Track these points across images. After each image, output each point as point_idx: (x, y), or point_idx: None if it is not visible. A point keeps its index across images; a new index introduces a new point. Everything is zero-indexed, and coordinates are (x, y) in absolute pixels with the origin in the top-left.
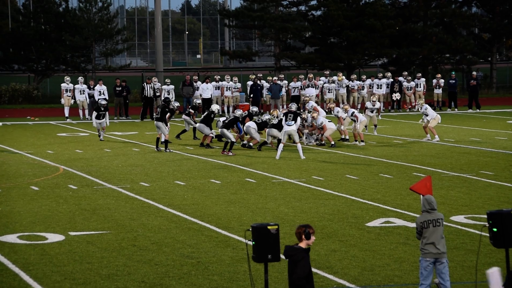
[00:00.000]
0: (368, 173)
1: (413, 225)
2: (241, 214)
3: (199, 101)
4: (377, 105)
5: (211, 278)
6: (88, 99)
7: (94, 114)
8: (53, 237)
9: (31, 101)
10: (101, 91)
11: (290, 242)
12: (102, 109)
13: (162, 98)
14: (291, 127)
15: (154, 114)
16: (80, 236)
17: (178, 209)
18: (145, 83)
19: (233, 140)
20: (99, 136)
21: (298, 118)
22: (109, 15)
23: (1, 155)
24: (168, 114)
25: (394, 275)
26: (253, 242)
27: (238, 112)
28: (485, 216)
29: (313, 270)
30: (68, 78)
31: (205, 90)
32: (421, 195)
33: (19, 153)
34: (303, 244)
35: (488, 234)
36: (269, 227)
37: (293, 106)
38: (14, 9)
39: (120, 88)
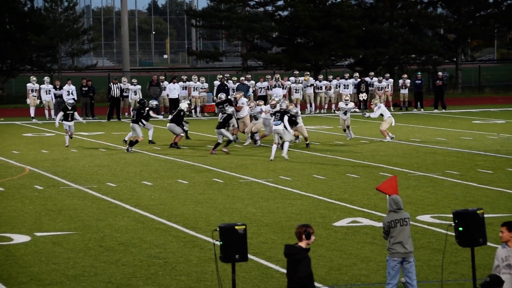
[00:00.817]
0: (335, 173)
1: (380, 224)
2: (209, 214)
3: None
4: (351, 105)
5: (178, 279)
6: (54, 99)
7: (61, 114)
8: (19, 238)
9: None
10: (69, 91)
11: (257, 242)
12: (70, 108)
13: (130, 98)
14: (279, 126)
15: (131, 116)
16: (46, 237)
17: (145, 210)
18: (111, 83)
19: (231, 138)
20: (66, 140)
21: (285, 116)
22: (75, 14)
23: None
24: (152, 112)
25: (361, 275)
26: (221, 242)
27: (230, 109)
28: (451, 216)
29: (279, 269)
30: (34, 78)
31: (172, 90)
32: (388, 195)
33: None
34: (303, 244)
35: (454, 233)
36: (236, 227)
37: (284, 104)
38: None
39: (87, 88)
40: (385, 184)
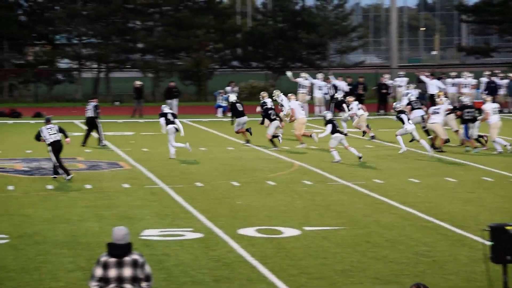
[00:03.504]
0: None
1: None
2: (478, 213)
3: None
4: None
5: (447, 278)
6: (326, 96)
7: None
8: (289, 232)
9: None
10: (337, 87)
11: None
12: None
13: (400, 95)
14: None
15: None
16: (315, 231)
17: (412, 207)
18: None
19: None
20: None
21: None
22: (345, 12)
23: (239, 151)
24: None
25: None
26: (492, 242)
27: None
28: None
29: None
30: (303, 75)
31: (431, 86)
32: None
33: (256, 149)
34: None
35: None
36: (507, 228)
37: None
38: (253, 8)
39: (351, 86)
40: None
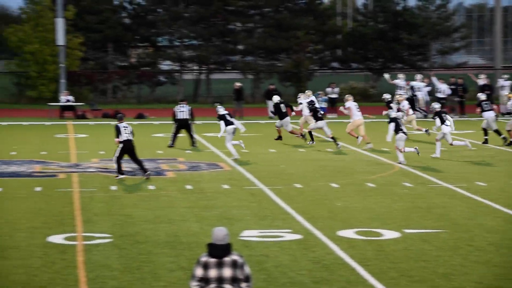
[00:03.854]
0: None
1: None
2: None
3: None
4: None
5: None
6: (427, 97)
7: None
8: (389, 234)
9: (368, 99)
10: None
11: None
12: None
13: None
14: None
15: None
16: (415, 234)
17: None
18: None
19: None
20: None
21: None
22: (447, 12)
23: (338, 152)
24: None
25: None
26: None
27: None
28: None
29: None
30: (401, 76)
31: None
32: None
33: (356, 150)
34: None
35: None
36: None
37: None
38: (354, 9)
39: (454, 87)
40: None
